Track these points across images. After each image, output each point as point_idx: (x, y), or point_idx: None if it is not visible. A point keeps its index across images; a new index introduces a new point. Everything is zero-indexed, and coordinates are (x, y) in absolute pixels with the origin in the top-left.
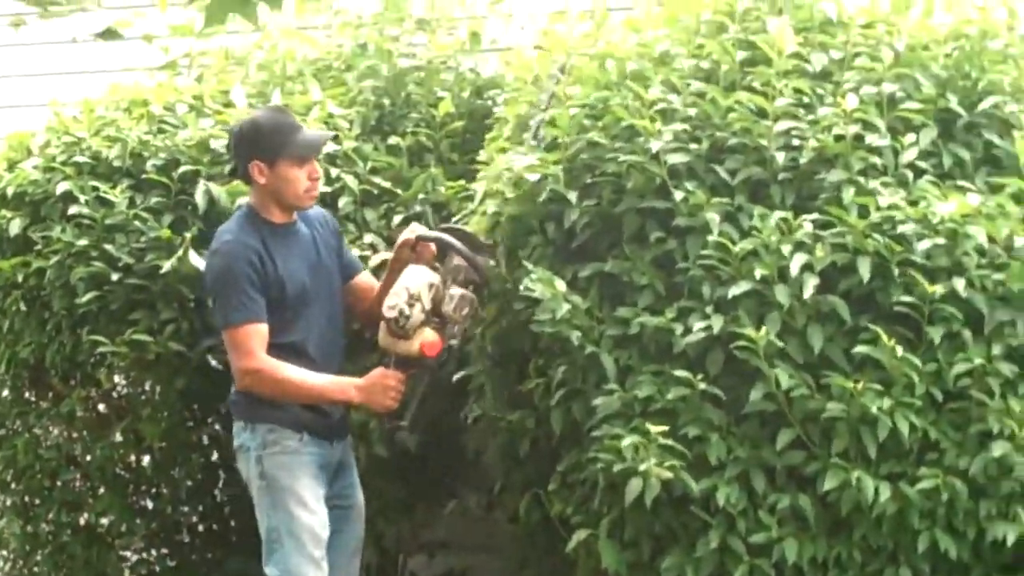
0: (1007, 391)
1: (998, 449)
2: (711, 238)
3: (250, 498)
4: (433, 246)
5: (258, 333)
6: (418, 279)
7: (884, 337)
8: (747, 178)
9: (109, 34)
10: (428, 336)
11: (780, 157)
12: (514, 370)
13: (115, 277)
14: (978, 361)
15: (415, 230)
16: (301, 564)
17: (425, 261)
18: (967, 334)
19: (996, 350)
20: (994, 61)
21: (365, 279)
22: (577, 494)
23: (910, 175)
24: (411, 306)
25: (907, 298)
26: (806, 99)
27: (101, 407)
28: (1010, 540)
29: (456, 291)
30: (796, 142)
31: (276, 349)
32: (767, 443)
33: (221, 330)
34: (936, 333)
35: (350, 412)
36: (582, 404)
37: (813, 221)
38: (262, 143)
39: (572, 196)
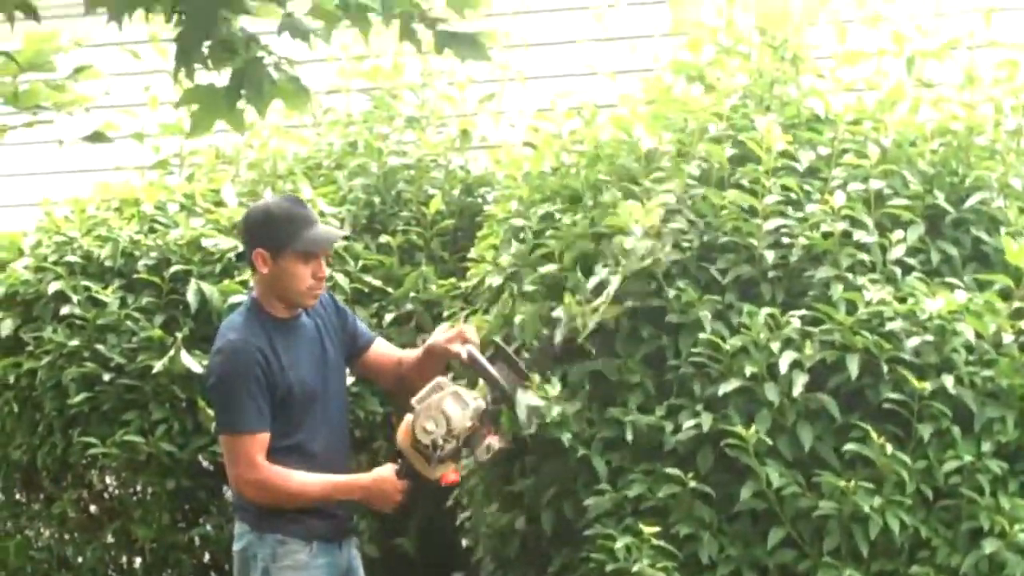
0: (997, 488)
1: (989, 546)
2: (702, 336)
3: None
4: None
5: (261, 442)
6: (461, 414)
7: (874, 435)
8: (737, 276)
9: (97, 137)
10: (450, 473)
11: (769, 256)
12: (503, 469)
13: (107, 377)
14: (968, 458)
15: (470, 351)
16: None
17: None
18: (956, 431)
19: (985, 447)
20: (981, 157)
21: (381, 349)
22: None
23: (898, 271)
24: (446, 441)
25: (896, 395)
26: (794, 196)
27: (92, 508)
28: None
29: (494, 442)
30: (785, 240)
31: (281, 452)
32: (758, 541)
33: (219, 433)
34: (926, 430)
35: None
36: (573, 503)
37: (801, 317)
38: (269, 231)
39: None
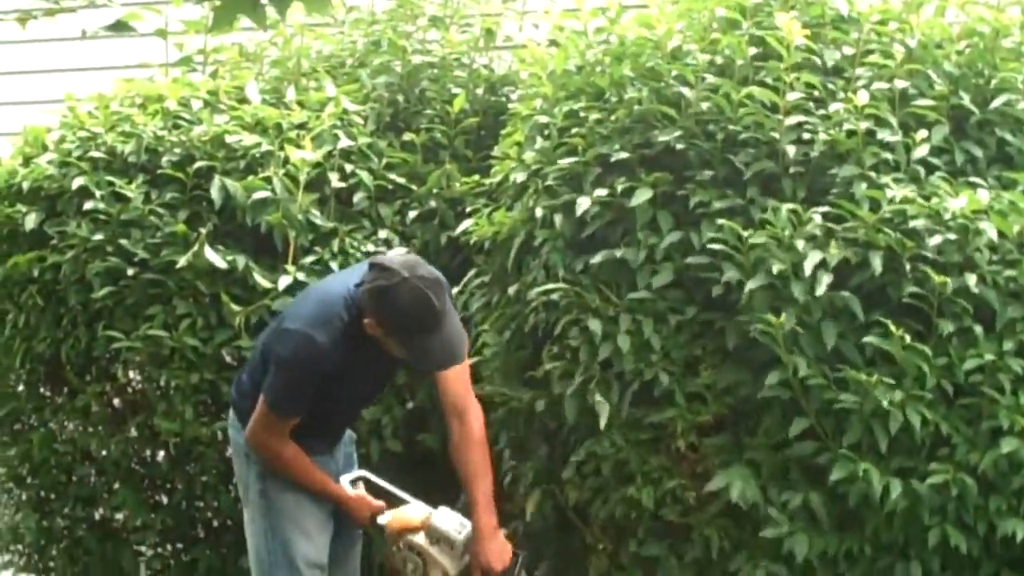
0: (1018, 387)
1: (1008, 445)
2: (722, 222)
3: None
4: None
5: (287, 425)
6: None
7: (893, 329)
8: (759, 171)
9: (119, 27)
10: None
11: (791, 151)
12: (526, 356)
13: (131, 272)
14: (989, 357)
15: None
16: None
17: None
18: (978, 330)
19: (1007, 346)
20: (1006, 59)
21: (441, 384)
22: (590, 483)
23: (922, 171)
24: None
25: (918, 291)
26: (817, 94)
27: (116, 402)
28: (1020, 536)
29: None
30: (807, 136)
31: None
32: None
33: (261, 392)
34: (947, 327)
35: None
36: (598, 392)
37: (824, 215)
38: (390, 322)
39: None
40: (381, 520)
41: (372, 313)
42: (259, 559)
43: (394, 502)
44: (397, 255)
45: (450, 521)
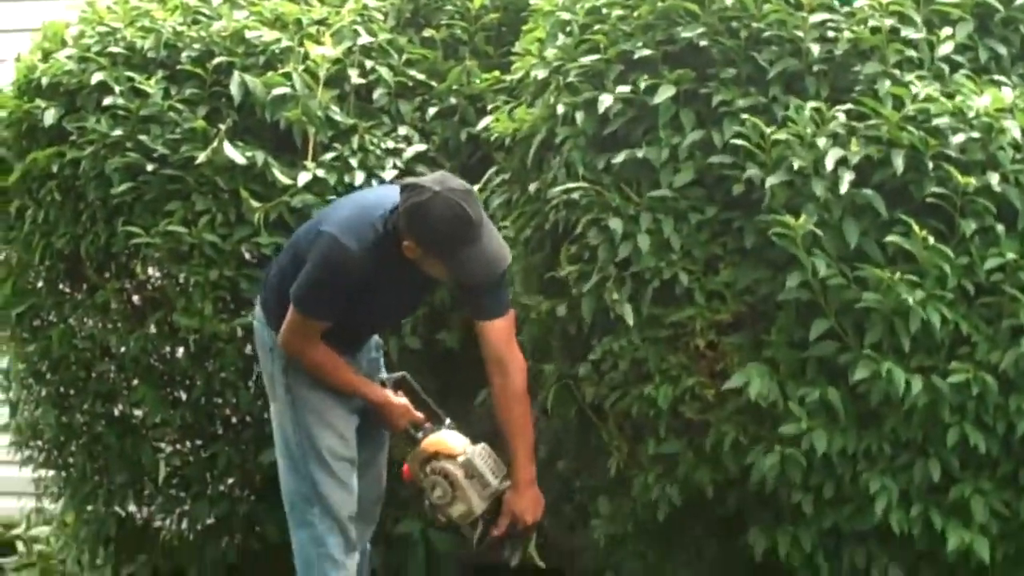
0: None
1: None
2: (745, 118)
3: None
4: None
5: (321, 327)
6: (464, 506)
7: (916, 229)
8: (782, 70)
9: None
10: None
11: (815, 49)
12: (546, 258)
13: (150, 168)
14: (1011, 256)
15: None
16: (325, 482)
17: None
18: (1000, 229)
19: None
20: None
21: (484, 335)
22: (608, 380)
23: (946, 69)
24: (431, 498)
25: (940, 190)
26: None
27: (135, 299)
28: None
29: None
30: (831, 34)
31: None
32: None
33: (292, 293)
34: (969, 227)
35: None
36: (614, 291)
37: (847, 112)
38: (425, 235)
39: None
40: (419, 435)
41: (409, 232)
42: (287, 452)
43: (427, 414)
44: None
45: (489, 461)
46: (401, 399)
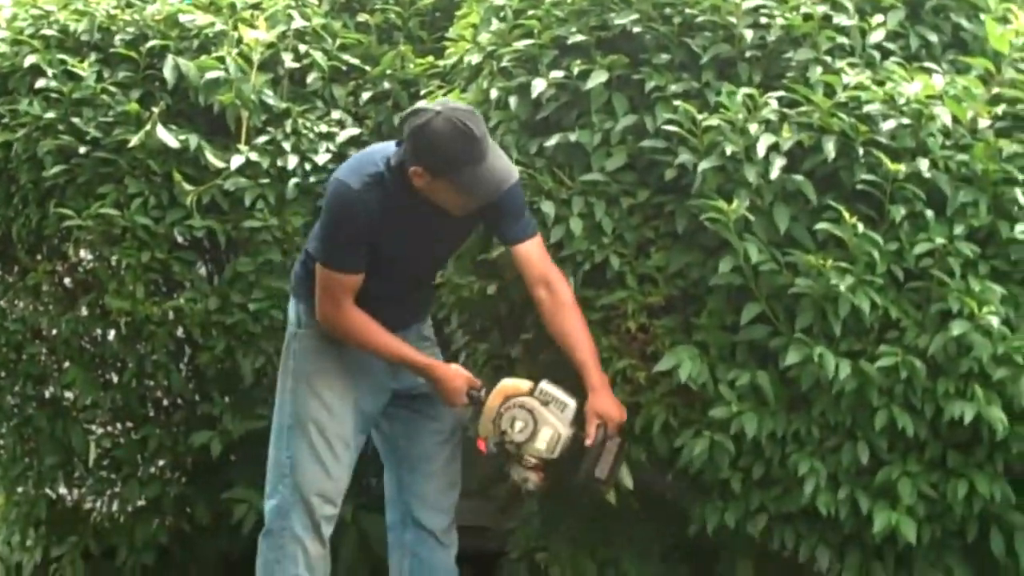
0: (968, 271)
1: (957, 328)
2: (678, 105)
3: (215, 372)
4: None
5: (351, 284)
6: (543, 446)
7: (846, 215)
8: (715, 56)
9: None
10: (481, 444)
11: (748, 35)
12: (478, 240)
13: (82, 150)
14: (939, 241)
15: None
16: (301, 456)
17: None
18: (929, 214)
19: (958, 230)
20: None
21: (521, 256)
22: (541, 360)
23: (877, 56)
24: (510, 444)
25: (870, 177)
26: None
27: (67, 281)
28: (967, 419)
29: (534, 478)
30: (764, 20)
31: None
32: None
33: (316, 258)
34: (898, 212)
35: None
36: None
37: (779, 99)
38: (433, 161)
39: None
40: (481, 393)
41: (415, 158)
42: (276, 420)
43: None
44: None
45: (558, 388)
46: (452, 364)
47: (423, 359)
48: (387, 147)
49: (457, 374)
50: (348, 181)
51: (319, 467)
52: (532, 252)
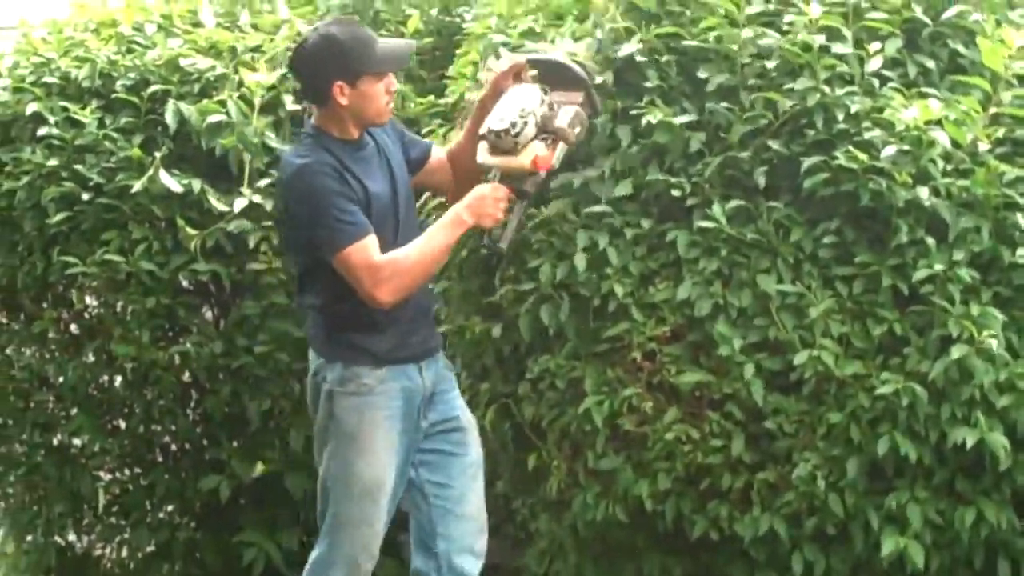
0: (969, 297)
1: (957, 352)
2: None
3: (222, 416)
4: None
5: (371, 244)
6: (530, 96)
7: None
8: (718, 85)
9: None
10: (540, 151)
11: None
12: (481, 283)
13: (86, 197)
14: (939, 267)
15: (521, 57)
16: (347, 518)
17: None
18: (931, 241)
19: (959, 256)
20: None
21: (438, 152)
22: (547, 398)
23: (876, 83)
24: (524, 120)
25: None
26: (772, 7)
27: (73, 328)
28: (969, 444)
29: (570, 108)
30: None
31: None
32: None
33: (328, 256)
34: (900, 238)
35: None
36: (551, 310)
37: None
38: (343, 61)
39: None
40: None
41: (326, 75)
42: (320, 482)
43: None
44: None
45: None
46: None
47: (446, 215)
48: (299, 141)
49: (476, 194)
50: (295, 163)
51: (365, 526)
52: (438, 147)
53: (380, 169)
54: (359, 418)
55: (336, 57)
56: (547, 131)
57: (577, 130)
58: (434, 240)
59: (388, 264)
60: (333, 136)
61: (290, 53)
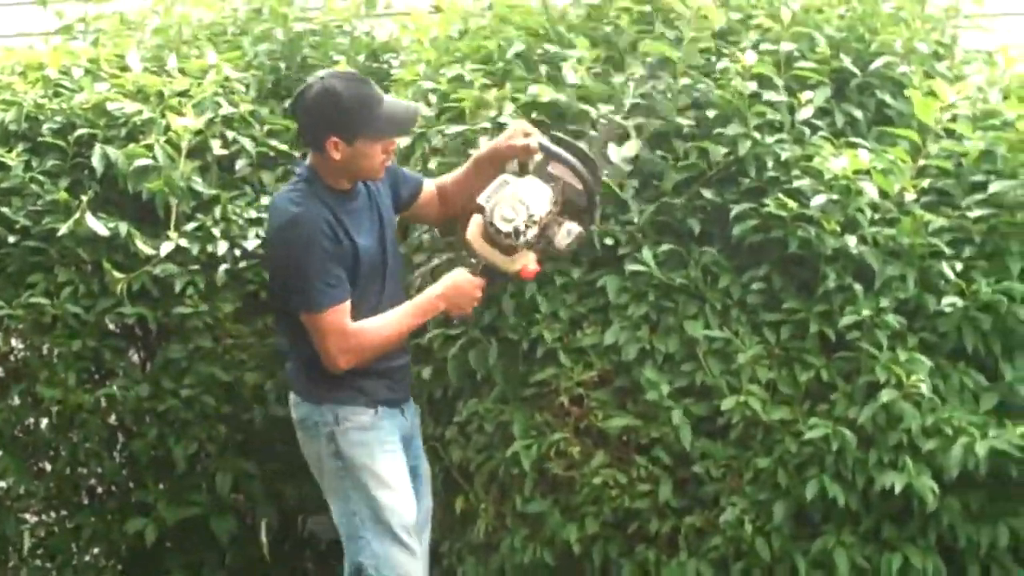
0: (896, 343)
1: (886, 396)
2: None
3: (148, 459)
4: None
5: (344, 310)
6: (541, 199)
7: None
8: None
9: None
10: (531, 262)
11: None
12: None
13: (12, 240)
14: (866, 313)
15: (536, 138)
16: (392, 552)
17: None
18: (858, 288)
19: (884, 303)
20: (886, 24)
21: (428, 187)
22: (475, 442)
23: (806, 132)
24: (527, 227)
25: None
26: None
27: None
28: (897, 489)
29: (573, 227)
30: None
31: None
32: None
33: (296, 312)
34: (828, 284)
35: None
36: (480, 354)
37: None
38: (343, 119)
39: None
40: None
41: (325, 129)
42: (346, 522)
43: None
44: None
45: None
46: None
47: (422, 295)
48: (293, 183)
49: (455, 280)
50: (289, 209)
51: (406, 553)
52: (429, 181)
53: (370, 220)
54: (368, 451)
55: (335, 114)
56: (544, 241)
57: (573, 248)
58: (404, 322)
59: (356, 334)
60: (326, 183)
61: (290, 101)
